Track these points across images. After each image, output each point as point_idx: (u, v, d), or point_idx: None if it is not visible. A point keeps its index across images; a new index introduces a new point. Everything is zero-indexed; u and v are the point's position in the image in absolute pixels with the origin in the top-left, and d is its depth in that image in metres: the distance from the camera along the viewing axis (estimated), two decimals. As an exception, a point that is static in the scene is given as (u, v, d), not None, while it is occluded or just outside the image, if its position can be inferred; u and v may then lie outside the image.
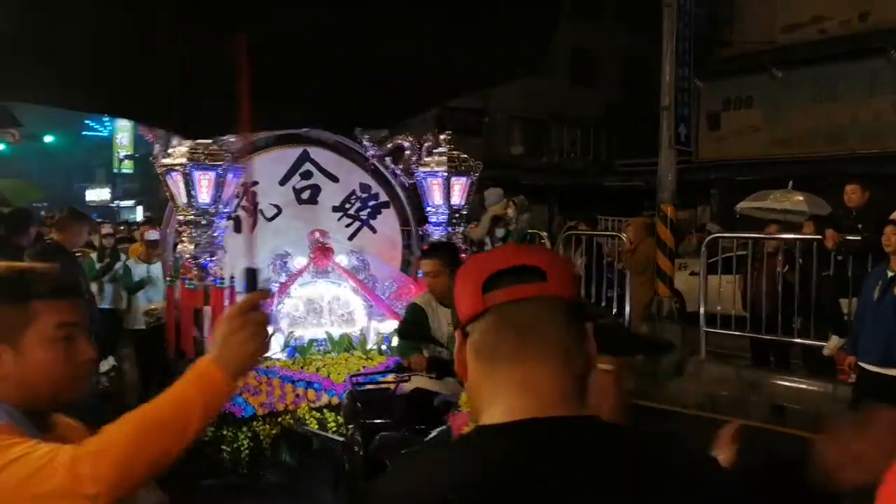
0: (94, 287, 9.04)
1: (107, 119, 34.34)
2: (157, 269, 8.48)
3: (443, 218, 6.79)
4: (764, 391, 8.40)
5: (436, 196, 6.79)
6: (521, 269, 1.17)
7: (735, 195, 16.74)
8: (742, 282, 9.38)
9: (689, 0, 11.27)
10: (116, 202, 34.56)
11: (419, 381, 4.67)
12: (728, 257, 10.72)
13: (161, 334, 7.99)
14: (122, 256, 9.64)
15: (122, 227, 14.59)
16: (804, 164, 17.36)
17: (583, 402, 1.16)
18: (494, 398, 1.15)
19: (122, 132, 33.77)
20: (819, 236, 8.15)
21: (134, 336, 8.85)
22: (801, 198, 13.18)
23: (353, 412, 4.75)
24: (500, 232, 10.03)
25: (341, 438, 5.16)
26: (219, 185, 5.99)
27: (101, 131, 35.16)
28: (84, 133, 34.95)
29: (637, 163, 21.84)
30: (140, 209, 32.72)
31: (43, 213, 14.07)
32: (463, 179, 6.80)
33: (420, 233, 7.22)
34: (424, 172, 6.81)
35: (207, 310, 6.25)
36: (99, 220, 15.30)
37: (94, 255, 9.61)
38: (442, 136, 6.88)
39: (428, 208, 6.93)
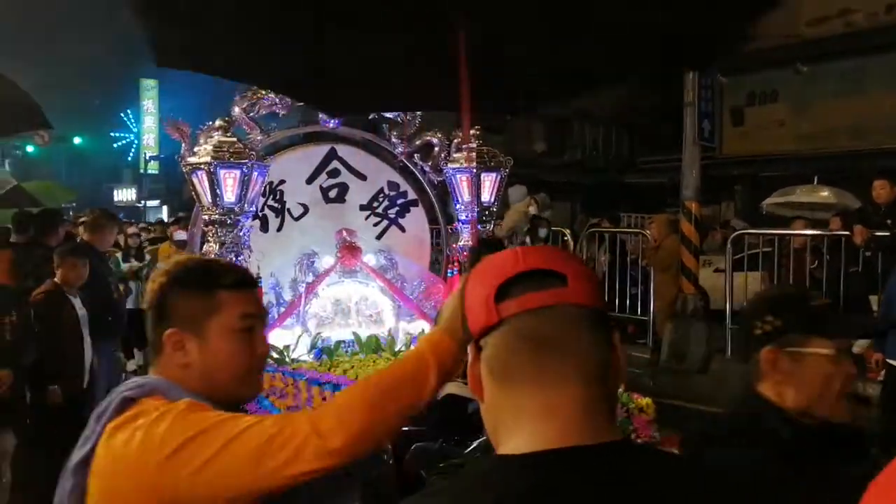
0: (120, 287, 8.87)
1: (133, 121, 34.43)
2: None
3: (472, 215, 6.48)
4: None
5: (465, 193, 6.52)
6: (537, 273, 1.04)
7: (759, 191, 16.63)
8: (768, 278, 9.22)
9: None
10: (143, 202, 34.59)
11: (452, 388, 4.38)
12: (754, 253, 10.52)
13: None
14: (147, 257, 9.35)
15: (154, 227, 14.36)
16: (830, 160, 17.01)
17: (612, 423, 1.03)
18: (513, 423, 1.02)
19: (149, 134, 34.06)
20: (847, 232, 7.99)
21: None
22: (827, 192, 12.91)
23: None
24: (542, 232, 9.70)
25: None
26: (244, 184, 5.76)
27: (127, 134, 35.19)
28: (111, 134, 34.98)
29: (659, 159, 21.41)
30: (165, 209, 32.78)
31: (71, 213, 13.91)
32: (493, 175, 6.52)
33: (449, 231, 6.91)
34: (453, 169, 6.54)
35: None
36: (125, 220, 15.15)
37: (119, 255, 9.38)
38: (471, 132, 6.57)
39: (457, 206, 6.65)
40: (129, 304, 9.30)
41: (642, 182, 22.69)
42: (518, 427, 1.00)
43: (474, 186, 6.49)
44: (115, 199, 36.28)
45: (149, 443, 1.41)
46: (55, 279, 5.70)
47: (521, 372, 1.01)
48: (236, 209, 5.87)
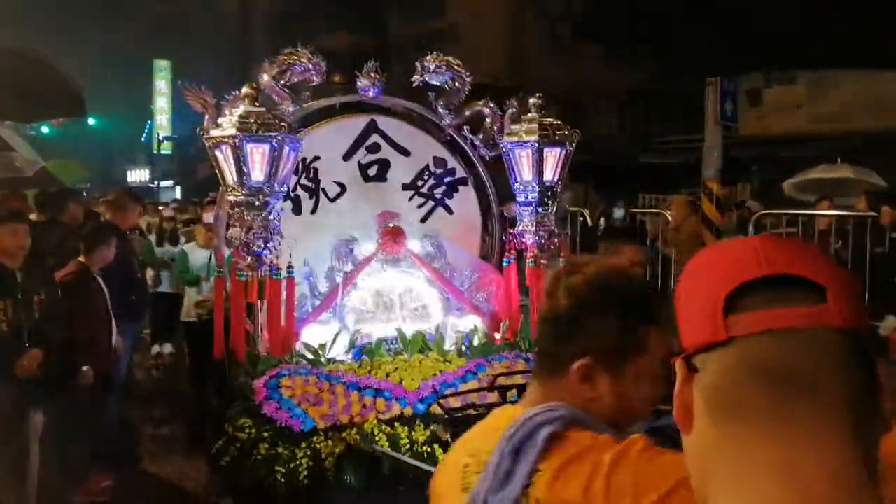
0: (150, 272, 8.46)
1: (147, 102, 33.74)
2: None
3: (533, 196, 5.47)
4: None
5: (525, 170, 5.50)
6: (784, 279, 0.75)
7: (776, 172, 16.37)
8: None
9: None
10: (156, 183, 33.76)
11: None
12: (776, 234, 9.72)
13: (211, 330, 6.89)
14: (182, 240, 8.40)
15: (186, 207, 13.40)
16: (849, 139, 16.58)
17: (870, 494, 0.71)
18: (733, 480, 0.74)
19: (161, 114, 33.16)
20: (874, 213, 7.78)
21: (186, 329, 7.86)
22: (848, 170, 12.39)
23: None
24: (619, 212, 8.65)
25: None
26: (274, 160, 4.77)
27: (141, 115, 34.36)
28: (125, 114, 34.08)
29: (675, 139, 20.74)
30: (178, 189, 31.97)
31: (85, 193, 13.00)
32: (557, 150, 5.50)
33: (505, 214, 5.82)
34: (512, 143, 5.50)
35: (262, 305, 4.93)
36: (161, 204, 14.40)
37: (152, 238, 8.45)
38: (532, 100, 5.50)
39: (515, 185, 5.58)
40: (164, 288, 8.43)
41: (657, 163, 21.98)
42: (741, 486, 0.74)
43: (536, 163, 5.40)
44: (129, 179, 35.42)
45: (614, 496, 1.16)
46: (81, 259, 5.44)
47: (753, 413, 0.74)
48: (265, 189, 4.91)
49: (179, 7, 31.35)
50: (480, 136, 6.13)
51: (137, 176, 36.65)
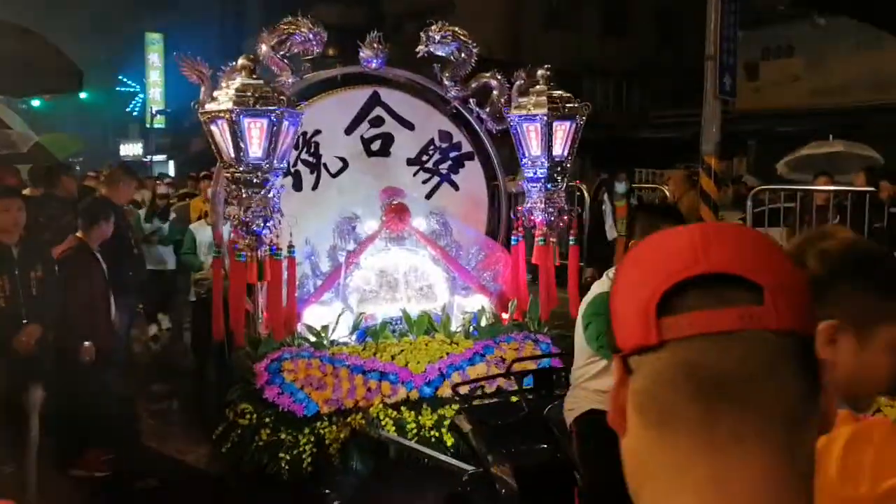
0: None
1: (139, 74, 33.13)
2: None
3: (542, 172, 5.24)
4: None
5: (533, 145, 5.25)
6: (720, 277, 0.69)
7: (773, 146, 16.14)
8: (789, 235, 8.60)
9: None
10: (149, 157, 33.22)
11: (593, 400, 3.01)
12: (774, 209, 9.96)
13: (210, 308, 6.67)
14: (172, 215, 8.22)
15: (181, 181, 12.92)
16: (846, 114, 16.37)
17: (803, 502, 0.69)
18: (662, 487, 0.71)
19: (154, 87, 32.57)
20: (872, 188, 7.68)
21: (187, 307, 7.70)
22: (840, 145, 12.09)
23: (485, 442, 3.14)
24: (620, 187, 8.37)
25: (465, 466, 3.51)
26: (272, 135, 4.50)
27: (134, 86, 33.70)
28: (117, 89, 33.46)
29: (671, 114, 20.53)
30: (172, 164, 31.41)
31: (78, 167, 12.67)
32: (566, 124, 5.24)
33: (514, 190, 5.57)
34: (520, 116, 5.25)
35: (262, 286, 4.69)
36: (157, 177, 13.99)
37: (141, 213, 8.15)
38: (540, 72, 5.22)
39: (523, 160, 5.33)
40: (150, 265, 8.16)
41: (654, 137, 21.75)
42: (668, 494, 0.70)
43: (545, 137, 5.14)
44: (121, 153, 34.79)
45: (850, 475, 1.12)
46: (79, 235, 5.32)
47: (682, 420, 0.69)
48: (264, 166, 4.65)
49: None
50: (487, 110, 5.87)
51: (130, 150, 35.98)
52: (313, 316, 5.20)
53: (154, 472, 5.32)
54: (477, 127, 5.97)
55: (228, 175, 4.73)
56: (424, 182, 5.94)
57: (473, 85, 5.82)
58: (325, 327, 5.12)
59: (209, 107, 4.64)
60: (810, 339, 0.73)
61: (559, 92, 5.39)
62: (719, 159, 12.32)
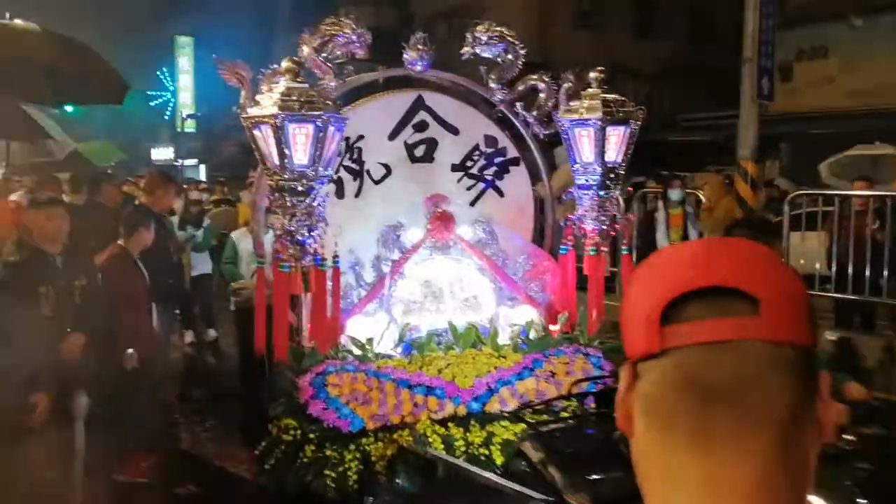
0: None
1: (169, 79, 33.10)
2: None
3: (594, 179, 4.94)
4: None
5: (585, 150, 4.98)
6: (721, 290, 0.74)
7: (806, 149, 15.98)
8: (828, 239, 8.59)
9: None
10: (180, 161, 33.23)
11: None
12: (812, 213, 9.68)
13: (250, 318, 6.45)
14: (206, 221, 7.94)
15: (213, 187, 12.67)
16: (882, 117, 15.71)
17: None
18: (661, 490, 0.76)
19: (185, 91, 32.51)
20: None
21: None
22: (890, 149, 11.80)
23: (559, 470, 2.89)
24: (675, 194, 8.02)
25: (528, 492, 3.24)
26: (318, 141, 4.28)
27: (164, 92, 33.70)
28: (148, 93, 33.53)
29: (700, 117, 20.09)
30: (203, 168, 31.35)
31: (110, 171, 12.56)
32: (620, 129, 4.98)
33: (563, 197, 5.30)
34: (572, 121, 4.99)
35: (306, 297, 4.48)
36: (186, 182, 13.82)
37: (174, 220, 7.99)
38: (592, 74, 4.94)
39: (574, 166, 5.02)
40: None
41: (684, 140, 21.33)
42: (672, 492, 0.75)
43: (598, 143, 4.86)
44: (153, 157, 34.76)
45: None
46: (120, 243, 5.32)
47: (681, 425, 0.74)
48: (309, 173, 4.38)
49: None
50: (534, 113, 5.61)
51: (161, 154, 36.00)
52: (357, 327, 4.98)
53: (194, 478, 5.30)
54: (523, 131, 5.72)
55: (272, 183, 4.51)
56: (469, 188, 5.68)
57: (520, 87, 5.57)
58: (369, 340, 4.89)
59: (252, 111, 4.43)
60: (807, 350, 0.74)
61: (613, 95, 5.12)
62: (755, 163, 12.15)
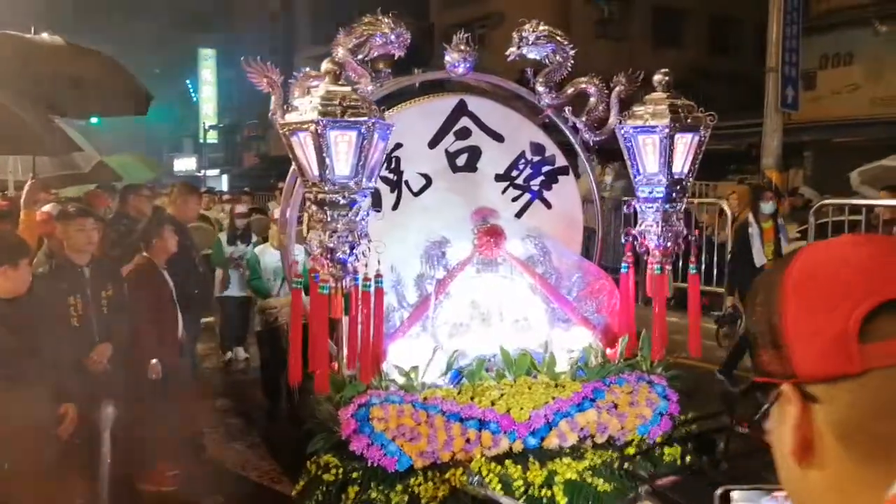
0: (219, 273, 7.64)
1: (193, 90, 32.89)
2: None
3: (660, 192, 4.33)
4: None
5: (650, 160, 4.37)
6: None
7: (831, 157, 15.84)
8: None
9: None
10: (203, 171, 32.91)
11: None
12: (837, 223, 9.30)
13: (278, 338, 5.94)
14: (254, 238, 7.65)
15: (241, 197, 12.08)
16: None
17: None
18: None
19: (207, 103, 32.19)
20: None
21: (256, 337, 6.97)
22: None
23: None
24: (767, 207, 7.39)
25: None
26: (362, 150, 3.65)
27: (188, 102, 33.45)
28: (171, 103, 33.30)
29: (723, 125, 19.33)
30: (225, 178, 31.08)
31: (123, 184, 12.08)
32: (689, 136, 4.36)
33: (625, 211, 4.71)
34: (636, 128, 4.35)
35: (345, 320, 3.92)
36: (231, 195, 13.30)
37: (222, 236, 7.51)
38: (657, 77, 4.37)
39: (637, 178, 4.42)
40: (233, 291, 7.68)
41: (707, 149, 20.60)
42: None
43: (665, 152, 4.26)
44: (175, 168, 34.46)
45: None
46: (145, 253, 5.22)
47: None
48: (351, 184, 3.77)
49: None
50: (583, 119, 5.02)
51: (184, 165, 35.65)
52: (399, 353, 4.39)
53: (219, 487, 5.13)
54: (572, 138, 5.12)
55: (310, 195, 3.93)
56: (514, 200, 5.05)
57: (569, 91, 4.97)
58: (414, 368, 4.30)
59: (290, 118, 3.83)
60: None
61: (681, 100, 4.51)
62: (779, 171, 11.66)
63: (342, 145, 3.79)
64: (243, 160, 29.16)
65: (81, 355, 4.51)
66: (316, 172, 3.84)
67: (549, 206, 5.11)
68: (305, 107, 3.80)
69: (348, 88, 3.93)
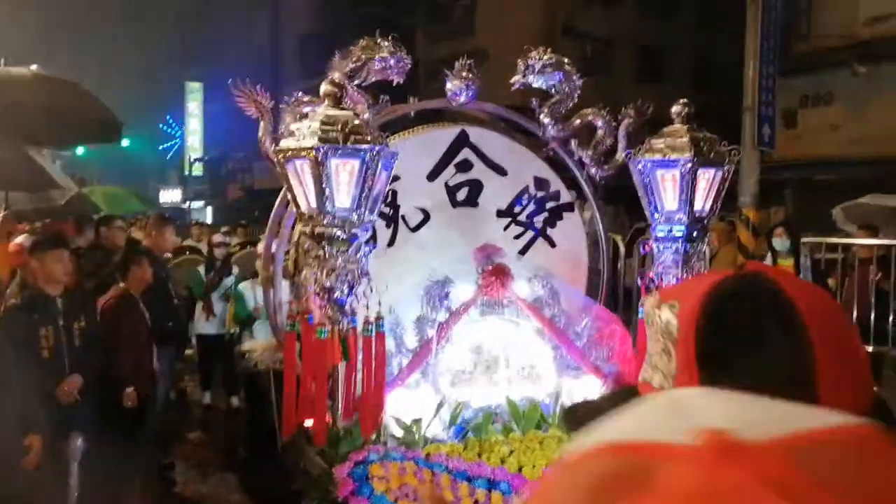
0: (199, 306, 7.18)
1: (178, 123, 32.44)
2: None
3: (679, 231, 3.87)
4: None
5: (669, 197, 3.95)
6: None
7: (811, 195, 15.07)
8: (838, 287, 8.07)
9: (775, -5, 9.73)
10: (188, 203, 32.28)
11: None
12: (815, 260, 9.03)
13: (259, 385, 5.42)
14: (235, 270, 7.14)
15: (232, 230, 11.33)
16: (888, 164, 14.73)
17: None
18: None
19: (193, 135, 31.71)
20: None
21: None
22: None
23: None
24: (779, 244, 7.01)
25: None
26: (364, 180, 3.16)
27: (174, 134, 32.91)
28: (157, 136, 32.78)
29: None
30: (209, 210, 30.46)
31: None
32: (711, 171, 3.93)
33: (641, 250, 4.29)
34: (654, 162, 3.95)
35: (342, 367, 3.45)
36: (209, 226, 12.73)
37: (201, 269, 6.93)
38: (675, 108, 3.99)
39: (654, 215, 4.00)
40: (211, 329, 7.10)
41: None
42: None
43: (686, 187, 3.84)
44: (161, 200, 33.79)
45: None
46: (121, 285, 5.09)
47: None
48: (352, 217, 3.29)
49: (211, 30, 30.01)
50: (589, 152, 4.63)
51: (169, 196, 35.00)
52: (397, 403, 3.91)
53: None
54: (577, 173, 4.71)
55: (306, 229, 3.48)
56: (517, 237, 4.63)
57: (576, 122, 4.57)
58: (416, 421, 3.81)
59: (286, 143, 3.38)
60: None
61: (703, 132, 4.12)
62: (756, 210, 11.40)
63: (343, 175, 3.34)
64: (227, 192, 28.57)
65: (51, 387, 4.39)
66: (314, 204, 3.37)
67: (552, 244, 4.67)
68: (303, 132, 3.34)
69: (350, 112, 3.49)
